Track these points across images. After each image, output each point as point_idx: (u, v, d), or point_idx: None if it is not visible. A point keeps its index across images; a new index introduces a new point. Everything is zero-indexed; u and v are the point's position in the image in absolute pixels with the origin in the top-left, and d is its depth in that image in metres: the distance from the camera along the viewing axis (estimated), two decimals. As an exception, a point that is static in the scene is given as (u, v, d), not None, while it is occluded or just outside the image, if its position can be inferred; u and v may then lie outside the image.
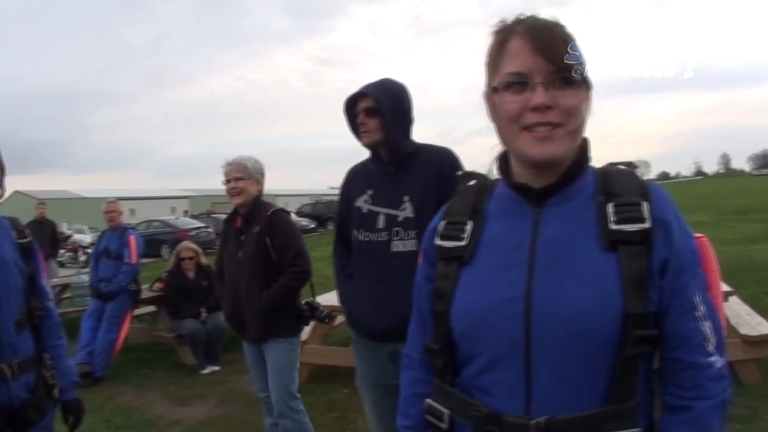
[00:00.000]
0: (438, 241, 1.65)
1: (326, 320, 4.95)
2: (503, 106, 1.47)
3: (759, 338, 6.02)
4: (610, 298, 1.38)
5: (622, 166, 1.57)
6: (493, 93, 1.52)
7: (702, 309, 1.46)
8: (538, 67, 1.42)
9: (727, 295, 6.34)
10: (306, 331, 4.89)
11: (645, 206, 1.45)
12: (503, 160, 1.62)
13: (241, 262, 4.57)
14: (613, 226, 1.44)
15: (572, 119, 1.44)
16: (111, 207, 8.43)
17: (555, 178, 1.50)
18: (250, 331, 4.58)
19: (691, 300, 1.45)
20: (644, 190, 1.49)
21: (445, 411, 1.59)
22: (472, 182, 1.71)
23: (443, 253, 1.62)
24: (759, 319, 6.63)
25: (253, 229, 4.56)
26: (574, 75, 1.43)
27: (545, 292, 1.44)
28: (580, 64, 1.45)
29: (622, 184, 1.50)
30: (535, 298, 1.44)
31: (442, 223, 1.66)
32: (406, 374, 1.81)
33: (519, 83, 1.44)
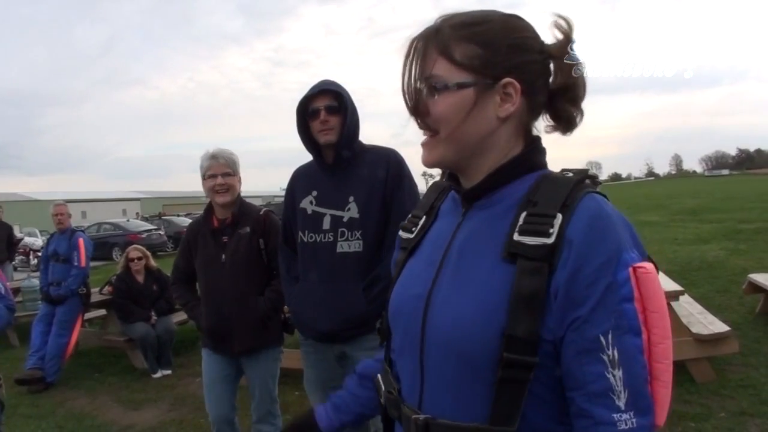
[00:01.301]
0: (400, 232, 1.69)
1: None
2: None
3: (711, 337, 6.08)
4: (490, 314, 1.26)
5: (570, 174, 1.39)
6: None
7: (612, 353, 1.20)
8: (419, 74, 1.40)
9: (678, 294, 6.44)
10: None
11: (558, 220, 1.26)
12: None
13: (227, 266, 4.13)
14: (516, 237, 1.29)
15: (444, 126, 1.38)
16: (59, 209, 8.29)
17: (478, 180, 1.44)
18: (237, 344, 4.13)
19: (593, 339, 1.20)
20: (570, 201, 1.29)
21: (383, 387, 1.64)
22: (441, 179, 1.70)
23: (400, 243, 1.68)
24: (711, 317, 6.70)
25: (241, 229, 4.19)
26: (443, 81, 1.37)
27: (440, 296, 1.40)
28: (470, 59, 1.36)
29: (547, 193, 1.33)
30: (432, 299, 1.41)
31: (409, 216, 1.70)
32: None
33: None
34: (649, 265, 1.26)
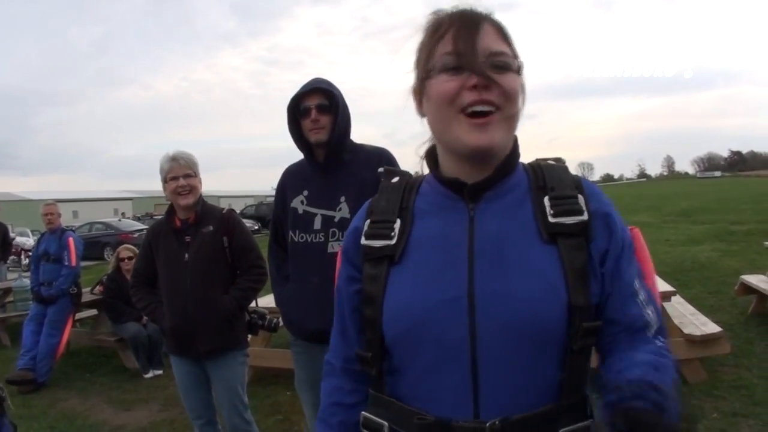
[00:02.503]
0: (364, 241, 1.53)
1: (276, 329, 4.53)
2: (439, 87, 1.40)
3: (703, 337, 6.08)
4: (554, 291, 1.34)
5: (551, 161, 1.55)
6: (425, 79, 1.45)
7: (642, 295, 1.44)
8: (476, 50, 1.36)
9: (670, 294, 6.43)
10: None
11: (581, 199, 1.44)
12: (432, 156, 1.57)
13: (190, 265, 4.08)
14: (552, 219, 1.40)
15: (510, 104, 1.39)
16: (49, 209, 8.25)
17: (489, 173, 1.44)
18: (201, 344, 4.04)
19: (630, 284, 1.43)
20: (577, 183, 1.48)
21: (384, 423, 1.47)
22: (395, 179, 1.64)
23: (371, 253, 1.51)
24: (703, 318, 6.71)
25: (204, 228, 4.14)
26: (511, 60, 1.40)
27: (488, 289, 1.36)
28: (516, 53, 1.44)
29: (555, 178, 1.48)
30: (478, 296, 1.36)
31: (367, 222, 1.56)
32: (328, 382, 1.70)
33: (456, 67, 1.37)
34: (633, 227, 1.64)
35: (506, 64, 1.39)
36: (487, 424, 1.33)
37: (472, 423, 1.35)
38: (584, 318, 1.34)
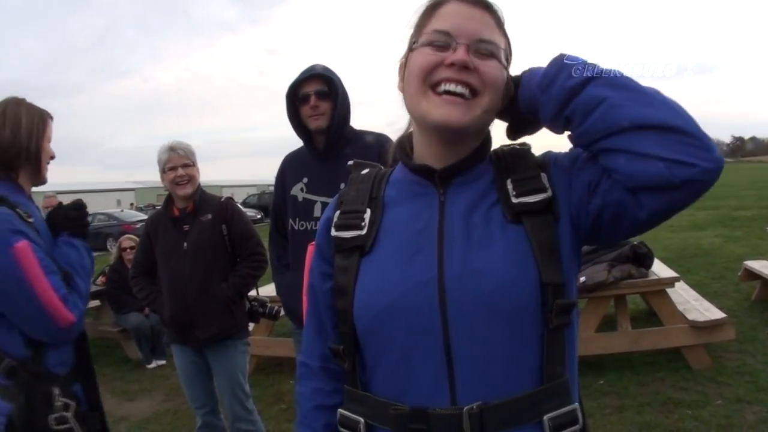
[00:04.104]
0: (334, 233, 1.52)
1: (277, 317, 4.53)
2: (418, 58, 1.41)
3: (707, 323, 6.05)
4: (525, 269, 1.33)
5: (517, 146, 1.53)
6: (410, 51, 1.46)
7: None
8: (467, 31, 1.37)
9: (673, 280, 6.41)
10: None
11: (543, 177, 1.42)
12: (401, 145, 1.58)
13: (189, 253, 4.08)
14: (515, 200, 1.40)
15: (489, 91, 1.38)
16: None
17: (458, 158, 1.45)
18: (200, 332, 4.06)
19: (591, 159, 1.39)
20: (541, 162, 1.47)
21: (360, 419, 1.45)
22: (365, 171, 1.63)
23: (341, 244, 1.50)
24: (707, 304, 6.67)
25: (202, 217, 4.14)
26: (499, 51, 1.40)
27: (458, 272, 1.35)
28: (507, 49, 1.46)
29: (517, 162, 1.47)
30: (447, 278, 1.35)
31: (337, 213, 1.55)
32: (306, 385, 1.66)
33: (441, 45, 1.38)
34: None
35: (492, 52, 1.39)
36: (465, 409, 1.31)
37: (450, 410, 1.32)
38: (558, 295, 1.33)
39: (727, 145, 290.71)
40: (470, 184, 1.46)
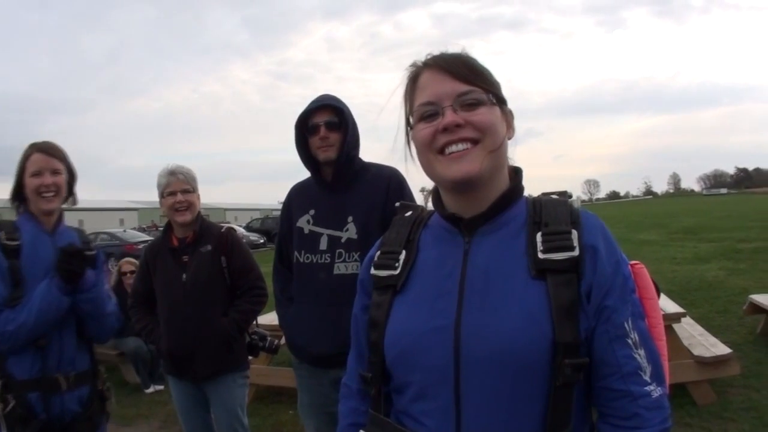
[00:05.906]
0: (373, 271, 1.66)
1: (277, 351, 4.47)
2: (417, 135, 1.55)
3: (713, 359, 6.01)
4: (538, 327, 1.38)
5: (555, 196, 1.60)
6: (410, 130, 1.60)
7: (634, 336, 1.44)
8: (446, 93, 1.49)
9: (680, 316, 6.36)
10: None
11: (574, 234, 1.47)
12: (436, 193, 1.66)
13: (188, 286, 3.93)
14: (541, 255, 1.45)
15: (488, 136, 1.48)
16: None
17: (484, 207, 1.54)
18: (199, 367, 3.92)
19: (620, 326, 1.44)
20: (575, 218, 1.51)
21: None
22: (408, 213, 1.75)
23: (378, 282, 1.63)
24: (713, 339, 6.64)
25: (202, 247, 3.99)
26: (481, 96, 1.50)
27: (474, 321, 1.44)
28: (492, 85, 1.55)
29: (552, 213, 1.52)
30: (464, 326, 1.44)
31: (378, 253, 1.68)
32: (345, 404, 1.80)
33: (430, 114, 1.51)
34: (637, 262, 1.59)
35: (476, 100, 1.49)
36: None
37: None
38: (570, 355, 1.37)
39: (731, 176, 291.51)
40: (497, 231, 1.54)
